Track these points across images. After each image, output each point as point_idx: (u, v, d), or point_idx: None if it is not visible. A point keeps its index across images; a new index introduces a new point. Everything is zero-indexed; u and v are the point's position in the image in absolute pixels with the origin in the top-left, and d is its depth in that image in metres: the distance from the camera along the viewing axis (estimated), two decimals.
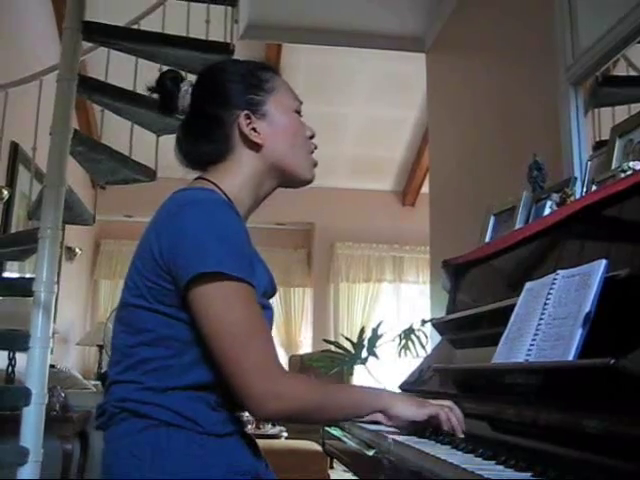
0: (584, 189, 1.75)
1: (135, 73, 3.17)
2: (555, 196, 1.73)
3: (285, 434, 4.92)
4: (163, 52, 2.96)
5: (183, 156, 1.21)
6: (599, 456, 0.83)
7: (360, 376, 5.72)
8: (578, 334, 1.03)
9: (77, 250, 6.17)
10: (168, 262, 1.03)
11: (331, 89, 5.91)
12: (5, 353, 3.20)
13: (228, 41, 3.12)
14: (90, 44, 3.16)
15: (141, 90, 3.08)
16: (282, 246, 7.54)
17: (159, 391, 1.03)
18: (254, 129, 1.16)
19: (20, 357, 2.93)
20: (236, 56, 2.83)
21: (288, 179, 1.22)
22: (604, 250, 1.23)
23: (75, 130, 2.76)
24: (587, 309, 1.04)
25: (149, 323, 1.05)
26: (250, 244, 1.09)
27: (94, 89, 3.00)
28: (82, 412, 3.31)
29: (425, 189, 6.28)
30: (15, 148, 4.17)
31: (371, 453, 1.25)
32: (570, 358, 1.01)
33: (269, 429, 4.79)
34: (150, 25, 3.18)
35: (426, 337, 3.96)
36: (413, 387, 1.79)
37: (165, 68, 3.46)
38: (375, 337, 4.06)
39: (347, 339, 4.33)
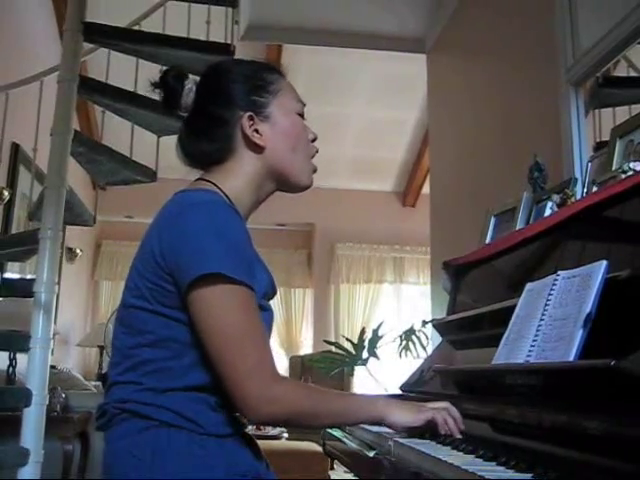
0: (585, 190, 1.75)
1: (136, 74, 3.17)
2: (556, 197, 1.73)
3: (286, 435, 4.92)
4: (164, 53, 2.97)
5: (184, 155, 1.21)
6: (600, 457, 0.83)
7: (361, 377, 5.73)
8: (579, 335, 1.03)
9: (78, 251, 6.17)
10: (169, 264, 1.03)
11: (332, 90, 5.91)
12: (6, 354, 3.19)
13: (229, 42, 3.13)
14: (91, 45, 3.16)
15: (142, 91, 3.09)
16: (283, 247, 7.54)
17: (159, 392, 1.03)
18: (256, 130, 1.16)
19: (21, 358, 2.92)
20: (237, 57, 2.83)
21: (286, 183, 1.22)
22: (605, 251, 1.23)
23: (76, 131, 2.76)
24: (588, 310, 1.04)
25: (149, 324, 1.05)
26: (251, 246, 1.08)
27: (95, 90, 3.01)
28: (83, 413, 3.31)
29: (426, 190, 6.28)
30: (16, 149, 4.17)
31: (371, 454, 1.25)
32: (571, 359, 1.01)
33: (270, 430, 4.78)
34: (151, 26, 3.18)
35: (427, 338, 3.96)
36: (414, 388, 1.79)
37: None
38: (376, 338, 4.06)
39: (348, 340, 4.33)
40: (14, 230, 4.19)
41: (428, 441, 1.15)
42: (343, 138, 6.58)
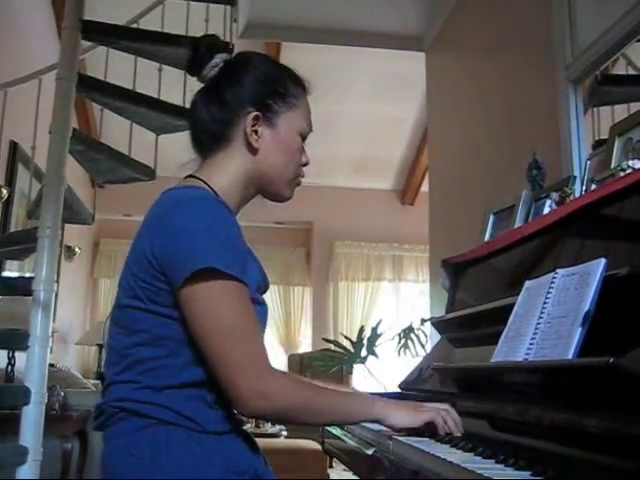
0: (583, 188, 1.75)
1: (134, 72, 3.17)
2: (554, 195, 1.73)
3: (285, 433, 4.91)
4: (162, 51, 2.96)
5: (195, 120, 1.21)
6: (598, 454, 0.83)
7: (359, 375, 5.74)
8: (577, 333, 1.03)
9: (76, 249, 6.16)
10: (161, 262, 1.03)
11: (330, 88, 5.90)
12: (4, 352, 3.19)
13: (227, 40, 3.12)
14: (89, 43, 3.16)
15: (140, 89, 3.09)
16: (281, 245, 7.54)
17: (157, 390, 1.03)
18: (255, 132, 1.17)
19: (19, 356, 2.92)
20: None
21: (267, 190, 1.22)
22: (603, 249, 1.23)
23: (74, 129, 2.75)
24: (586, 308, 1.04)
25: (144, 324, 1.05)
26: (242, 239, 1.08)
27: (93, 88, 3.00)
28: (81, 411, 3.31)
29: (424, 188, 6.27)
30: (14, 147, 4.17)
31: (371, 452, 1.25)
32: (569, 357, 1.01)
33: (268, 428, 4.78)
34: (149, 24, 3.18)
35: (425, 336, 3.97)
36: (412, 386, 1.79)
37: (164, 67, 3.44)
38: (374, 336, 4.07)
39: (346, 338, 4.34)
40: (13, 228, 4.19)
41: (427, 439, 1.15)
42: (342, 136, 6.58)
